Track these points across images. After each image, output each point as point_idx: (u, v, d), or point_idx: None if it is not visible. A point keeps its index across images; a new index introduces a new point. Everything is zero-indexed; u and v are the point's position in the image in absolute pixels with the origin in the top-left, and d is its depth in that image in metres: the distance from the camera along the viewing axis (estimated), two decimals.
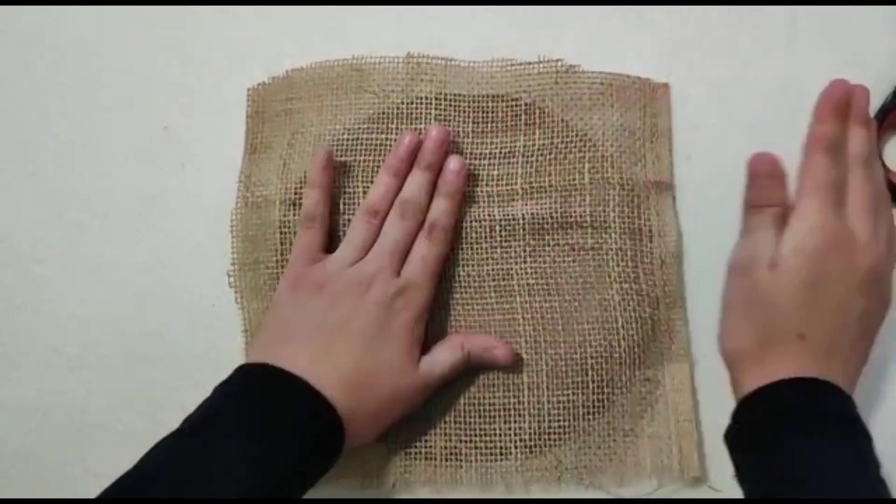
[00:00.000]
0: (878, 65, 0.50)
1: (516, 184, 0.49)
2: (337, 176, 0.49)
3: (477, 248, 0.49)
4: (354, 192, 0.49)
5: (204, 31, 0.54)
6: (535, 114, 0.50)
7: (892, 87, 0.49)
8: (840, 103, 0.42)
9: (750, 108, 0.51)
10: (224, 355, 0.51)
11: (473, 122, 0.50)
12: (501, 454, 0.47)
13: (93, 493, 0.38)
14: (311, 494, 0.49)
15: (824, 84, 0.50)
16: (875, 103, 0.49)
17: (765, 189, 0.43)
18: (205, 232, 0.52)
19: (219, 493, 0.37)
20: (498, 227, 0.48)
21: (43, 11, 0.55)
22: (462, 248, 0.49)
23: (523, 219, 0.48)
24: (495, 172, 0.49)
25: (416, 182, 0.47)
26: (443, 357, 0.46)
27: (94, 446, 0.51)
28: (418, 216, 0.47)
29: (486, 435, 0.47)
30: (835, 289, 0.40)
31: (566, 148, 0.49)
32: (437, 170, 0.48)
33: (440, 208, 0.47)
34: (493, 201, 0.49)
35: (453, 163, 0.47)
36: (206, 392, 0.52)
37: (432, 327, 0.48)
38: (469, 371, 0.48)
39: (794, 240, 0.40)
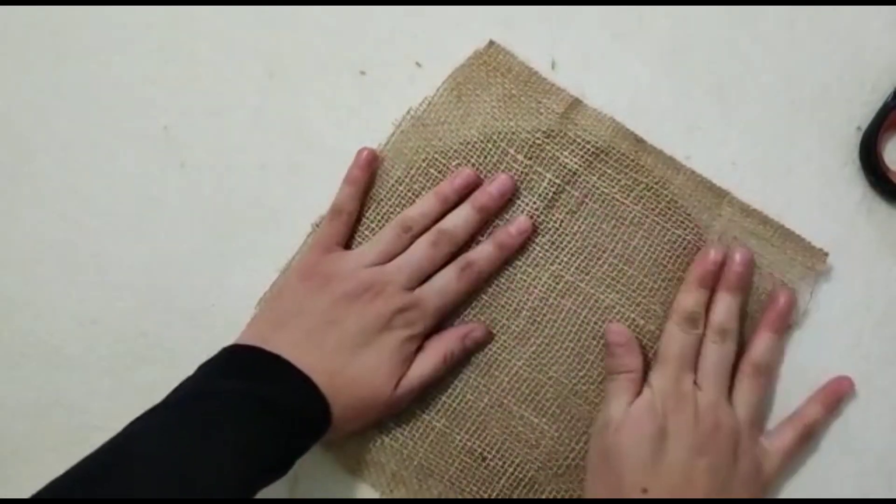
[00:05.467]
0: (878, 65, 0.50)
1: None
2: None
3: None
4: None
5: (204, 31, 0.54)
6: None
7: (893, 87, 0.49)
8: (708, 273, 0.45)
9: (750, 108, 0.51)
10: None
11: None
12: None
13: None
14: (308, 492, 0.49)
15: (823, 86, 0.50)
16: (876, 103, 0.49)
17: (618, 356, 0.45)
18: (205, 232, 0.52)
19: (207, 469, 0.38)
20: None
21: (43, 11, 0.55)
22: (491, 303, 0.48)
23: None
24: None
25: (462, 217, 0.47)
26: (421, 371, 0.46)
27: (94, 446, 0.51)
28: (449, 249, 0.47)
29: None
30: (674, 446, 0.43)
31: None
32: (487, 215, 0.48)
33: (486, 253, 0.47)
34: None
35: (523, 222, 0.47)
36: None
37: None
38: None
39: (639, 403, 0.44)
